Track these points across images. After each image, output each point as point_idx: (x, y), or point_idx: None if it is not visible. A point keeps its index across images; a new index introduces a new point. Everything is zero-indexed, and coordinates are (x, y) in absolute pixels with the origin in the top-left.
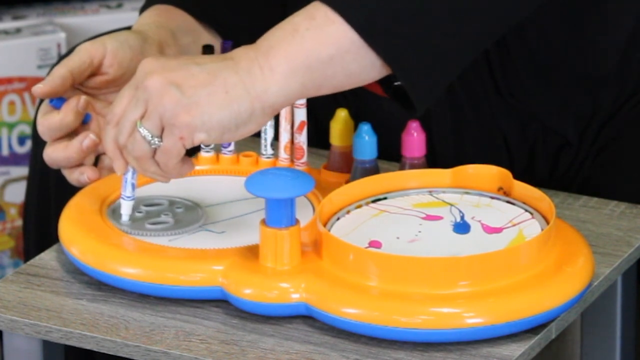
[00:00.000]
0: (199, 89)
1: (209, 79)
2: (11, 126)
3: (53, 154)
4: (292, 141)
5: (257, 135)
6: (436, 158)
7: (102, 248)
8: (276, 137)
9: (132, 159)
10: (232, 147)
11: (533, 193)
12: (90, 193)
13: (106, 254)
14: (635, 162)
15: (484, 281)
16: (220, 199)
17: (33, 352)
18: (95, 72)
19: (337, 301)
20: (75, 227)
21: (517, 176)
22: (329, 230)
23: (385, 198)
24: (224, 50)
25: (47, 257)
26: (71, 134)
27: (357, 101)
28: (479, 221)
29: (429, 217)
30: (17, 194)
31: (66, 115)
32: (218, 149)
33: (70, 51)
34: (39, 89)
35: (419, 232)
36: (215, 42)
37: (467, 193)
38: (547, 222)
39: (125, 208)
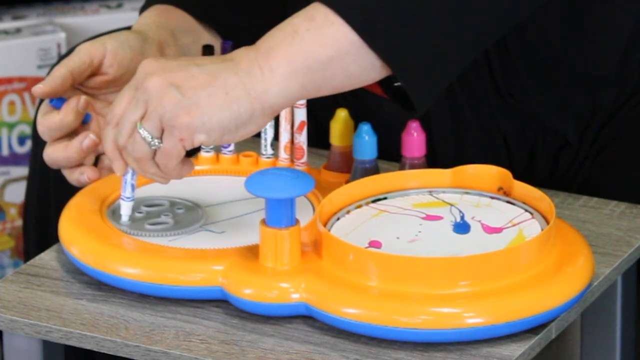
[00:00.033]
0: (199, 90)
1: (209, 80)
2: (11, 126)
3: (53, 154)
4: (292, 141)
5: (257, 135)
6: (436, 158)
7: (102, 248)
8: (276, 137)
9: (131, 160)
10: (232, 147)
11: (533, 193)
12: (90, 193)
13: (106, 254)
14: (635, 162)
15: (484, 281)
16: (220, 199)
17: (33, 352)
18: (95, 72)
19: (337, 301)
20: (75, 227)
21: (517, 176)
22: (329, 230)
23: (385, 198)
24: (224, 50)
25: (47, 257)
26: (71, 134)
27: (357, 101)
28: (479, 221)
29: (429, 217)
30: (17, 194)
31: (66, 115)
32: (218, 149)
33: (70, 51)
34: (39, 89)
35: (419, 232)
36: (215, 42)
37: (467, 193)
38: (547, 222)
39: (125, 209)
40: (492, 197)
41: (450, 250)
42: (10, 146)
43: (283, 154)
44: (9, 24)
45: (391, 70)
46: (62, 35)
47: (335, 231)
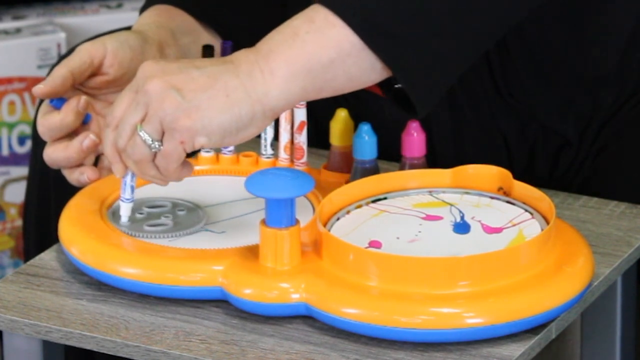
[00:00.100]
0: (199, 93)
1: (210, 83)
2: (11, 126)
3: (53, 154)
4: (292, 141)
5: (257, 135)
6: (436, 158)
7: (102, 248)
8: (276, 137)
9: (131, 163)
10: (232, 147)
11: (533, 193)
12: (90, 193)
13: (106, 254)
14: (635, 162)
15: (484, 281)
16: (220, 199)
17: (33, 352)
18: (95, 72)
19: (337, 301)
20: (75, 227)
21: (517, 176)
22: (329, 230)
23: (385, 198)
24: (224, 50)
25: (47, 257)
26: (71, 134)
27: (358, 102)
28: (479, 221)
29: (429, 217)
30: (17, 194)
31: (66, 115)
32: (218, 149)
33: (70, 51)
34: (39, 89)
35: (419, 232)
36: (215, 42)
37: (467, 193)
38: (547, 222)
39: (125, 210)
40: (492, 197)
41: (450, 250)
42: (10, 146)
43: (283, 154)
44: (9, 24)
45: (391, 71)
46: (62, 35)
47: (335, 231)
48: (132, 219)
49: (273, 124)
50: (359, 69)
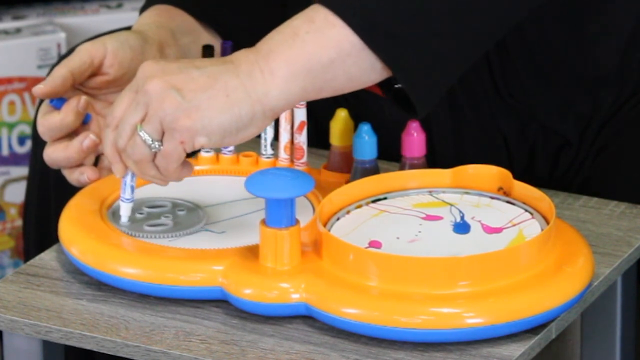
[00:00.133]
0: (199, 93)
1: (210, 83)
2: (11, 126)
3: (53, 154)
4: (292, 141)
5: (257, 135)
6: (436, 158)
7: (102, 248)
8: (276, 137)
9: (131, 163)
10: (232, 147)
11: (533, 193)
12: (90, 193)
13: (106, 254)
14: (635, 162)
15: (484, 281)
16: (220, 199)
17: (33, 352)
18: (95, 72)
19: (337, 301)
20: (75, 227)
21: (517, 176)
22: (329, 230)
23: (385, 198)
24: (224, 50)
25: (47, 257)
26: (71, 134)
27: (358, 102)
28: (479, 221)
29: (429, 217)
30: (17, 194)
31: (66, 115)
32: (218, 149)
33: (70, 51)
34: (39, 89)
35: (419, 232)
36: (215, 42)
37: (467, 193)
38: (547, 222)
39: (125, 210)
40: (492, 197)
41: (450, 250)
42: (10, 146)
43: (283, 154)
44: (9, 24)
45: (391, 71)
46: (62, 35)
47: (335, 231)
48: (132, 219)
49: (273, 124)
50: (359, 69)
